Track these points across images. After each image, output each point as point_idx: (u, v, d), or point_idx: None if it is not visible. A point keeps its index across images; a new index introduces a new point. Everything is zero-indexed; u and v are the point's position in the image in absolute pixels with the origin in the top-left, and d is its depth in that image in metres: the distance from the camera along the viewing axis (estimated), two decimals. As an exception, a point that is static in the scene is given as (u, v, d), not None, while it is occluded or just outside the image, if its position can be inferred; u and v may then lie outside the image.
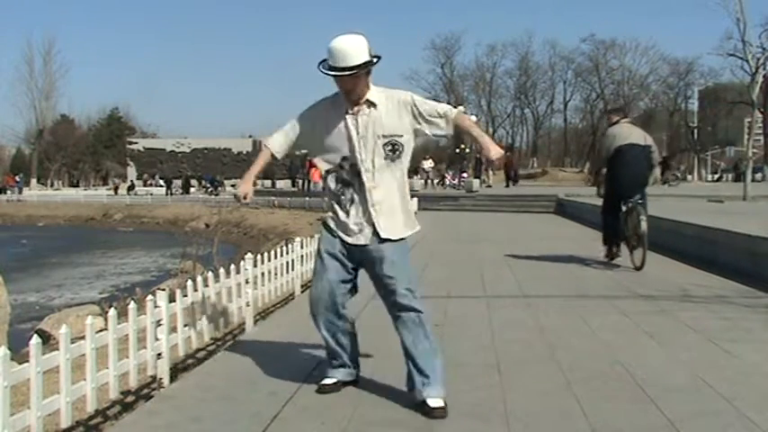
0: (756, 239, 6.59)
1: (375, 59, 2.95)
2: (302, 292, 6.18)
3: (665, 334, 4.28)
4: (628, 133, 7.08)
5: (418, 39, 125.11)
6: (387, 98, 3.05)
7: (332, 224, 3.11)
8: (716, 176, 51.13)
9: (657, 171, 7.74)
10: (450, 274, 7.05)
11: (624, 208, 7.09)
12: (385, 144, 3.00)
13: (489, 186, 29.09)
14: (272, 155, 3.22)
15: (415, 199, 18.71)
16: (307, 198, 26.03)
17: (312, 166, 24.55)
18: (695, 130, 61.22)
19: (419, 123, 3.06)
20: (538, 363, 3.68)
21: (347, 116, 3.01)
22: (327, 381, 3.22)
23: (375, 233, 3.01)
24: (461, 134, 3.22)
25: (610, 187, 7.30)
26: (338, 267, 3.09)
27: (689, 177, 50.00)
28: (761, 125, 46.48)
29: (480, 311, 5.09)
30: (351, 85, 2.95)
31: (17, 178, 52.39)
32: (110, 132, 74.59)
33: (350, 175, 3.02)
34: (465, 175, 30.58)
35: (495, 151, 3.04)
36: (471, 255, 8.85)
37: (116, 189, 49.95)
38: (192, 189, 48.91)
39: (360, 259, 3.09)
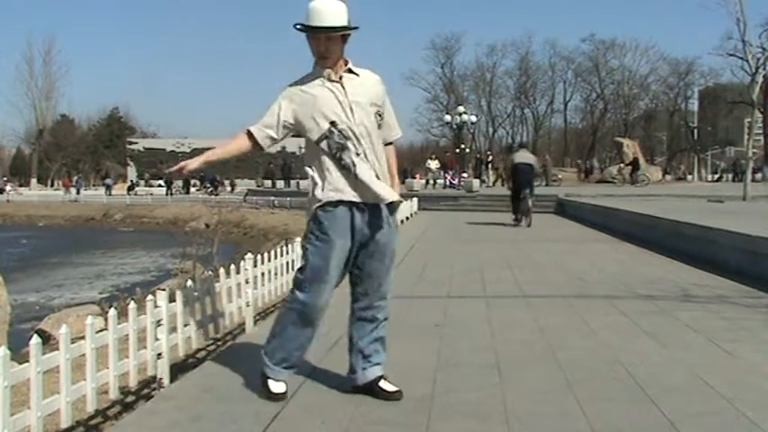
0: (756, 239, 6.59)
1: (354, 27, 2.92)
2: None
3: (665, 334, 4.28)
4: (522, 156, 13.38)
5: (418, 39, 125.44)
6: (367, 74, 3.02)
7: (336, 194, 2.90)
8: (716, 176, 51.16)
9: (538, 179, 15.72)
10: (450, 274, 7.05)
11: (521, 196, 13.06)
12: (377, 113, 2.98)
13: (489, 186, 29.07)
14: (256, 145, 3.03)
15: (415, 199, 18.75)
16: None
17: None
18: (695, 130, 61.25)
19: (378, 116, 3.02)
20: (538, 363, 3.68)
21: (331, 83, 2.93)
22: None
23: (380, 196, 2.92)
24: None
25: (513, 185, 13.40)
26: (343, 257, 2.94)
27: (689, 177, 50.01)
28: (761, 125, 46.50)
29: (480, 311, 5.08)
30: (325, 47, 2.89)
31: (74, 179, 51.81)
32: (110, 132, 74.62)
33: (343, 140, 2.90)
34: (465, 174, 30.59)
35: (389, 194, 2.96)
36: (471, 255, 8.86)
37: (108, 188, 48.80)
38: (193, 189, 48.88)
39: (365, 227, 2.93)
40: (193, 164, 3.09)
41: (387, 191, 2.95)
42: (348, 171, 2.90)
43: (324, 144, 2.92)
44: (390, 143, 3.14)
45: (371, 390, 3.04)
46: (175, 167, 3.10)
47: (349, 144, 2.89)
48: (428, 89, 68.37)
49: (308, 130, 2.96)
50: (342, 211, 2.91)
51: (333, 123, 2.90)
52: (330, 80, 2.93)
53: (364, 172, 2.90)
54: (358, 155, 2.90)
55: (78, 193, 48.09)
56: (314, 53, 2.94)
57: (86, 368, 3.13)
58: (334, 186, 2.91)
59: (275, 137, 3.01)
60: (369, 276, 3.00)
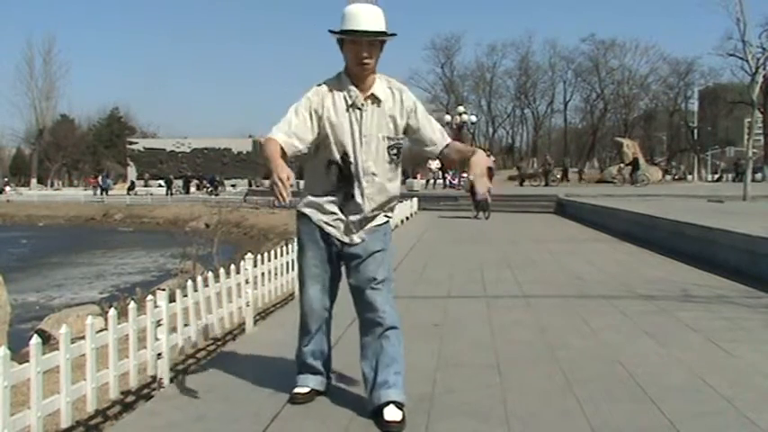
0: (756, 239, 6.59)
1: (393, 34, 2.81)
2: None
3: (665, 334, 4.28)
4: None
5: (418, 39, 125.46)
6: (392, 94, 2.87)
7: (314, 213, 2.93)
8: (716, 176, 51.16)
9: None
10: (450, 274, 7.05)
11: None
12: (389, 147, 2.86)
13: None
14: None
15: (415, 199, 18.75)
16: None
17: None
18: (695, 130, 61.25)
19: (410, 135, 2.92)
20: (538, 363, 3.68)
21: (350, 111, 2.81)
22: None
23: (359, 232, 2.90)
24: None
25: (473, 188, 14.77)
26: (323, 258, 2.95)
27: (689, 177, 49.99)
28: (761, 125, 46.52)
29: (480, 311, 5.08)
30: (368, 53, 2.75)
31: (100, 177, 48.98)
32: (110, 132, 74.69)
33: (348, 173, 2.84)
34: (465, 175, 30.51)
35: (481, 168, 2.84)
36: (471, 254, 8.86)
37: (105, 189, 46.20)
38: (193, 189, 48.87)
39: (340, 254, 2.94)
40: (281, 169, 2.54)
41: (358, 236, 2.88)
42: (333, 197, 2.88)
43: (332, 168, 2.86)
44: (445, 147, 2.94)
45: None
46: (282, 192, 2.49)
47: (351, 178, 2.84)
48: (428, 89, 68.32)
49: (322, 147, 2.86)
50: (309, 222, 2.95)
51: (344, 157, 2.83)
52: (355, 106, 2.81)
53: (349, 209, 2.86)
54: (354, 194, 2.84)
55: (103, 192, 44.79)
56: (352, 59, 2.78)
57: (86, 368, 3.12)
58: (309, 201, 2.94)
59: (300, 149, 2.79)
60: (356, 290, 2.93)
